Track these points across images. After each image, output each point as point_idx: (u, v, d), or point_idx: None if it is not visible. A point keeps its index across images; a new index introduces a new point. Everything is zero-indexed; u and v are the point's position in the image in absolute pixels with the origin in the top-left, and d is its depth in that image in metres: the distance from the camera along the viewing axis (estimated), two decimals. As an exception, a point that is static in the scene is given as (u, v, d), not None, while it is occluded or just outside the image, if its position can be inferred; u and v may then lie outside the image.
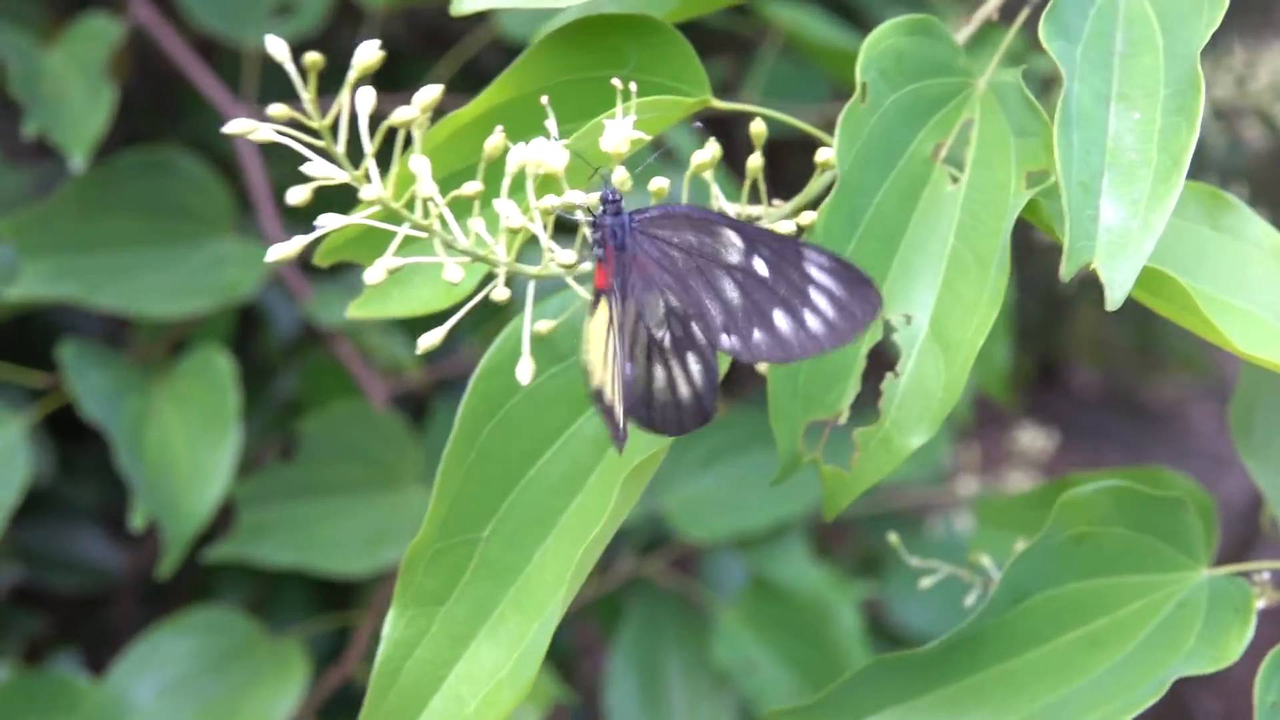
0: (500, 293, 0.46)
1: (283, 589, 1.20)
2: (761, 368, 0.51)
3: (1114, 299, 0.46)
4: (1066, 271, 0.46)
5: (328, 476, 1.03)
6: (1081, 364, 2.30)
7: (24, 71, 0.98)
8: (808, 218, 0.51)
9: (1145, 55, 0.50)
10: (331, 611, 1.15)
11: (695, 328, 0.46)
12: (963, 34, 0.58)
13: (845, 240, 0.51)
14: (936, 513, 1.36)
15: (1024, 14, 0.59)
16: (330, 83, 0.41)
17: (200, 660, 1.00)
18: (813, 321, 0.45)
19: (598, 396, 0.44)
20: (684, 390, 0.47)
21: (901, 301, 0.51)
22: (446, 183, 0.54)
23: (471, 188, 0.44)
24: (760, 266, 0.45)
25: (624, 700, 1.18)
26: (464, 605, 0.53)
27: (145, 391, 1.00)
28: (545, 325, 0.51)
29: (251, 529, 1.00)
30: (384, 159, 0.48)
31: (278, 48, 0.40)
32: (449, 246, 0.45)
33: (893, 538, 0.67)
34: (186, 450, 0.97)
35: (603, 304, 0.45)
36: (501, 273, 0.47)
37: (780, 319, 0.45)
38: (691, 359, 0.46)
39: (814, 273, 0.45)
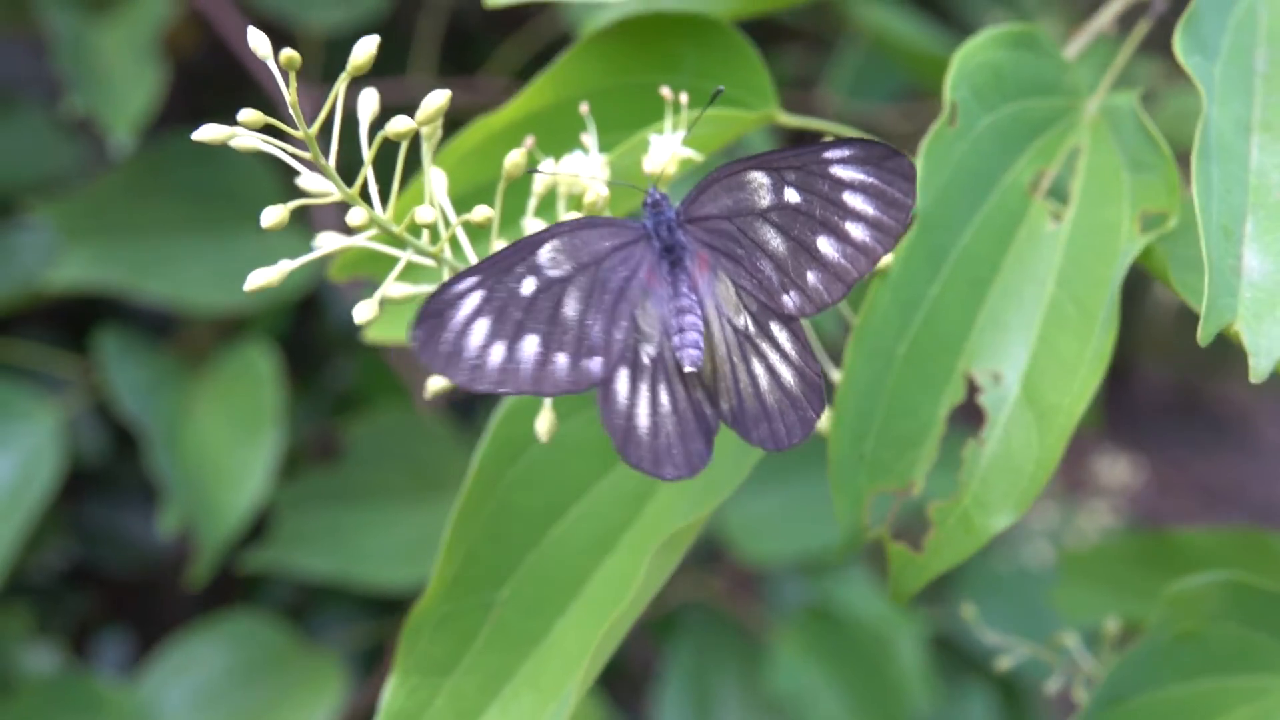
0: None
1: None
2: (822, 424, 0.44)
3: (1260, 369, 0.38)
4: (1205, 334, 0.39)
5: (372, 482, 0.97)
6: (1150, 364, 2.20)
7: (72, 45, 0.94)
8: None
9: (1291, 79, 0.42)
10: (389, 608, 1.09)
11: (762, 297, 0.41)
12: (1072, 48, 0.51)
13: (925, 284, 0.44)
14: (1006, 540, 1.28)
15: (1142, 26, 0.51)
16: (394, 67, 0.35)
17: (232, 670, 0.96)
18: (857, 231, 0.40)
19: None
20: (787, 375, 0.41)
21: (990, 356, 0.44)
22: (475, 196, 0.48)
23: (481, 213, 0.37)
24: (791, 195, 0.41)
25: (676, 723, 1.12)
26: (474, 676, 0.47)
27: (184, 388, 0.96)
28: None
29: (291, 535, 0.95)
30: (415, 163, 0.42)
31: (259, 41, 0.34)
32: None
33: (967, 610, 0.60)
34: (225, 450, 0.92)
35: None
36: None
37: (825, 246, 0.40)
38: (776, 328, 0.41)
39: (840, 172, 0.40)
